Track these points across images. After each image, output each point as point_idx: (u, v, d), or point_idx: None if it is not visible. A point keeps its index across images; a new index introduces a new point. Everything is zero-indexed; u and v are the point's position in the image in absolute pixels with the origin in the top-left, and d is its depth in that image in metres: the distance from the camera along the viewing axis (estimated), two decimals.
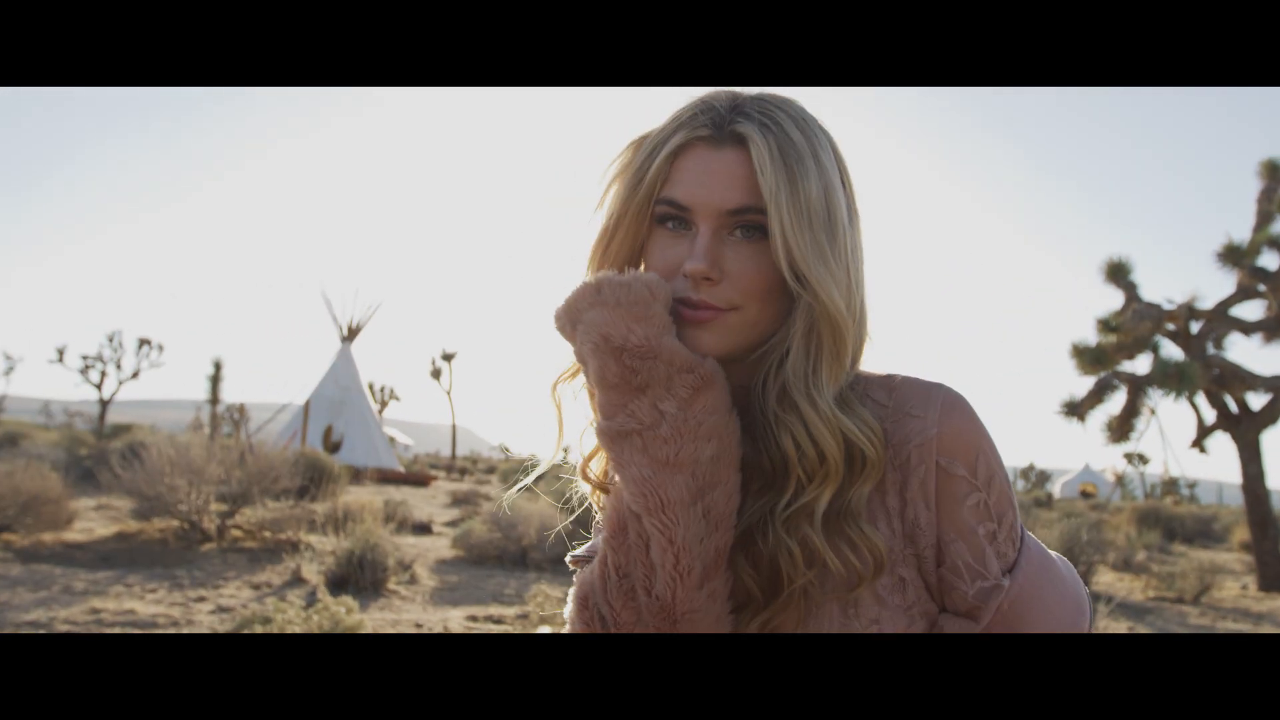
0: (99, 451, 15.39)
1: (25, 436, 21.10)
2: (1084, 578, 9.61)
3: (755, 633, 0.95)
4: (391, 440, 29.87)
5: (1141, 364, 11.95)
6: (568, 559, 1.13)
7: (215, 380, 27.85)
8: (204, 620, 6.09)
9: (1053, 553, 1.06)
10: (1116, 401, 11.99)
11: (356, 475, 18.71)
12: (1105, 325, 11.95)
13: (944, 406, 0.97)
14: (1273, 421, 11.30)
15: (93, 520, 10.42)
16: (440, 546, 10.56)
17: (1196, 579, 9.99)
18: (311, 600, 6.11)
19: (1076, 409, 12.07)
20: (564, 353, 1.02)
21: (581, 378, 1.04)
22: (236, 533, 9.72)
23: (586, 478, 1.09)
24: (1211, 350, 11.67)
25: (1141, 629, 7.95)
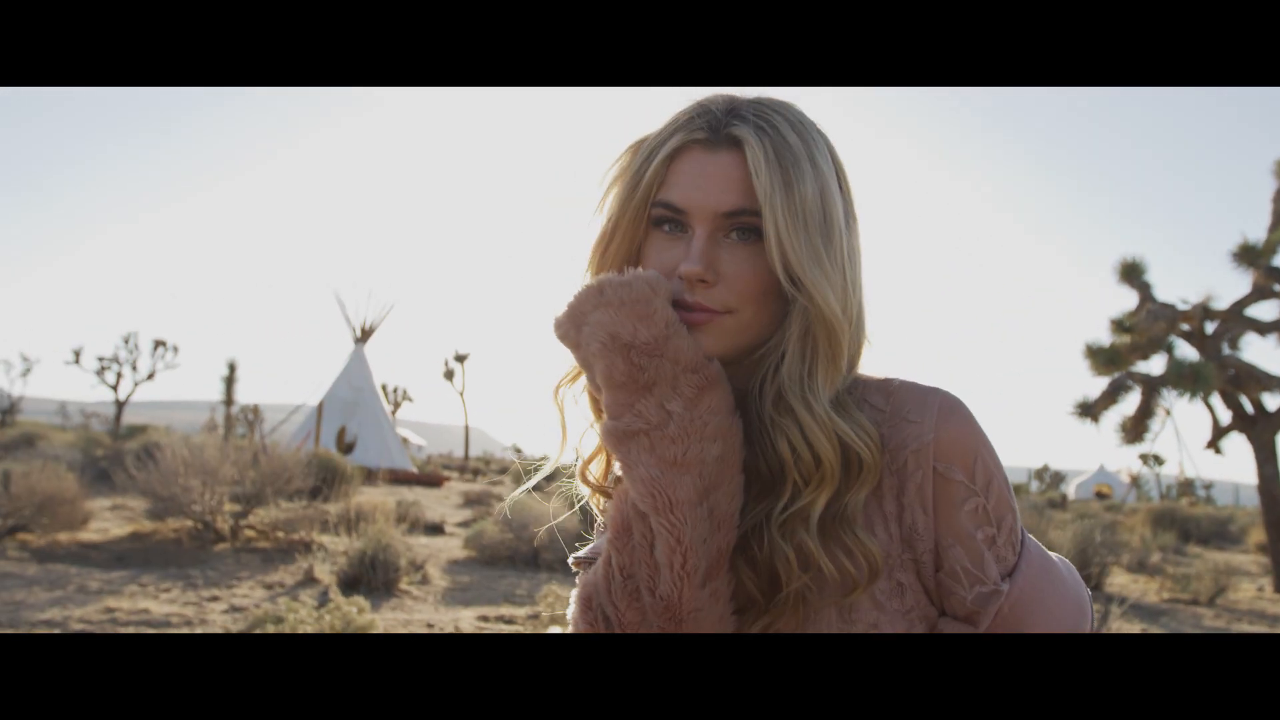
0: (114, 452, 15.50)
1: (42, 437, 21.25)
2: (1098, 579, 9.57)
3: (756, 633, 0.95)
4: (405, 441, 29.96)
5: (1156, 364, 11.88)
6: (570, 560, 1.13)
7: (230, 381, 28.01)
8: (217, 620, 6.12)
9: (1053, 554, 1.05)
10: (1130, 402, 11.92)
11: (369, 476, 18.77)
12: (1119, 325, 11.88)
13: (941, 411, 0.96)
14: None
15: (108, 520, 10.49)
16: (452, 547, 10.58)
17: (1212, 581, 9.92)
18: (324, 600, 6.14)
19: (1090, 410, 12.01)
20: (564, 357, 1.02)
21: (582, 382, 1.05)
22: (250, 533, 9.77)
23: (586, 481, 1.09)
24: (1227, 350, 11.58)
25: (1155, 631, 7.90)
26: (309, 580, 7.74)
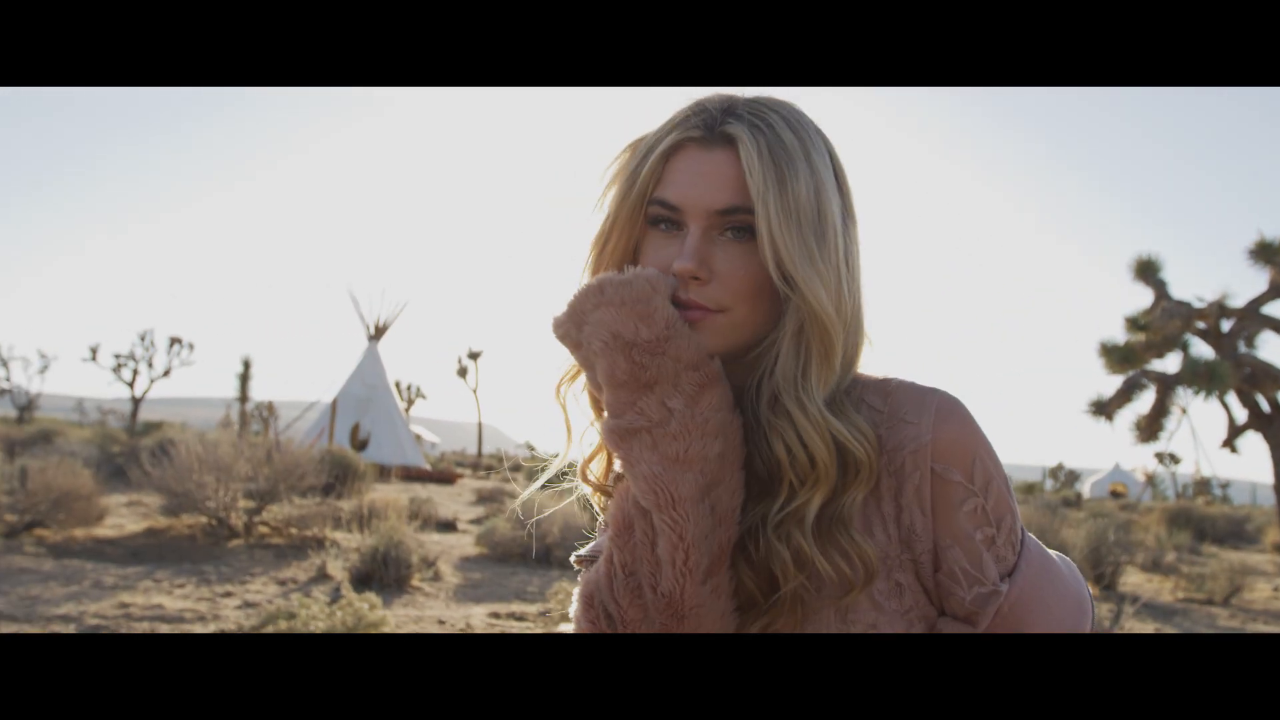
0: (130, 449, 15.61)
1: (59, 434, 21.42)
2: (1111, 578, 9.52)
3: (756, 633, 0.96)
4: (418, 438, 30.04)
5: (1171, 363, 11.81)
6: (572, 559, 1.14)
7: (244, 378, 28.16)
8: (230, 615, 6.16)
9: (1053, 553, 1.05)
10: (1145, 401, 11.85)
11: (383, 473, 18.84)
12: (1134, 323, 11.81)
13: (939, 412, 0.96)
14: None
15: (123, 516, 10.57)
16: (465, 544, 10.62)
17: (1227, 580, 9.86)
18: (336, 596, 6.17)
19: (1104, 408, 11.94)
20: (564, 356, 1.02)
21: (581, 380, 1.05)
22: (263, 529, 9.83)
23: (586, 480, 1.10)
24: (1243, 349, 11.50)
25: (1168, 630, 7.86)
26: (322, 576, 7.78)
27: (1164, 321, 11.35)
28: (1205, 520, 18.23)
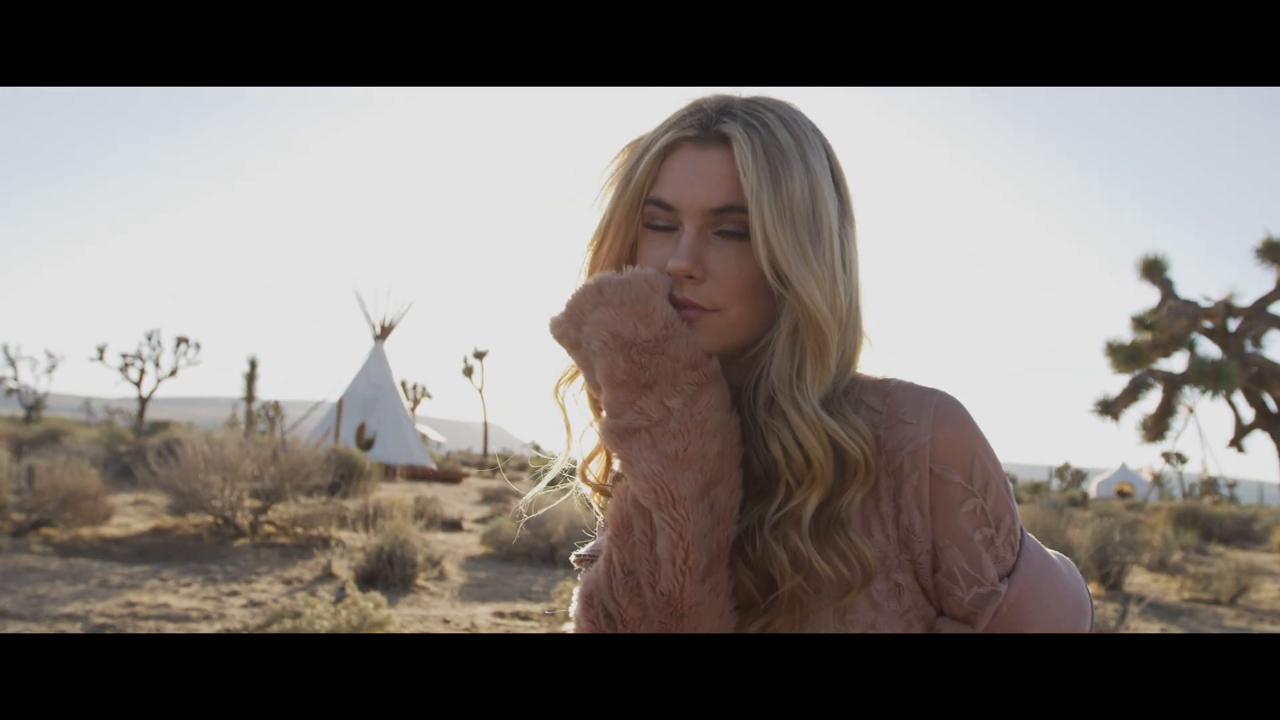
0: (137, 448, 15.65)
1: (66, 433, 21.49)
2: (1117, 578, 9.50)
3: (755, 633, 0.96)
4: (424, 438, 30.09)
5: (1178, 362, 11.78)
6: (572, 558, 1.14)
7: (251, 378, 28.23)
8: (236, 615, 6.18)
9: (1053, 552, 1.05)
10: (1152, 400, 11.82)
11: (388, 472, 18.87)
12: (1140, 322, 11.78)
13: (937, 413, 0.96)
14: None
15: (130, 515, 10.60)
16: (470, 543, 10.63)
17: (1233, 580, 9.83)
18: (341, 596, 6.18)
19: (1111, 407, 11.91)
20: (563, 357, 1.02)
21: (580, 381, 1.05)
22: (269, 528, 9.85)
23: (586, 480, 1.10)
24: (1250, 348, 11.47)
25: (1174, 630, 7.84)
26: (327, 575, 7.79)
27: (1170, 321, 11.32)
28: (1212, 520, 18.18)
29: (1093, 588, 9.30)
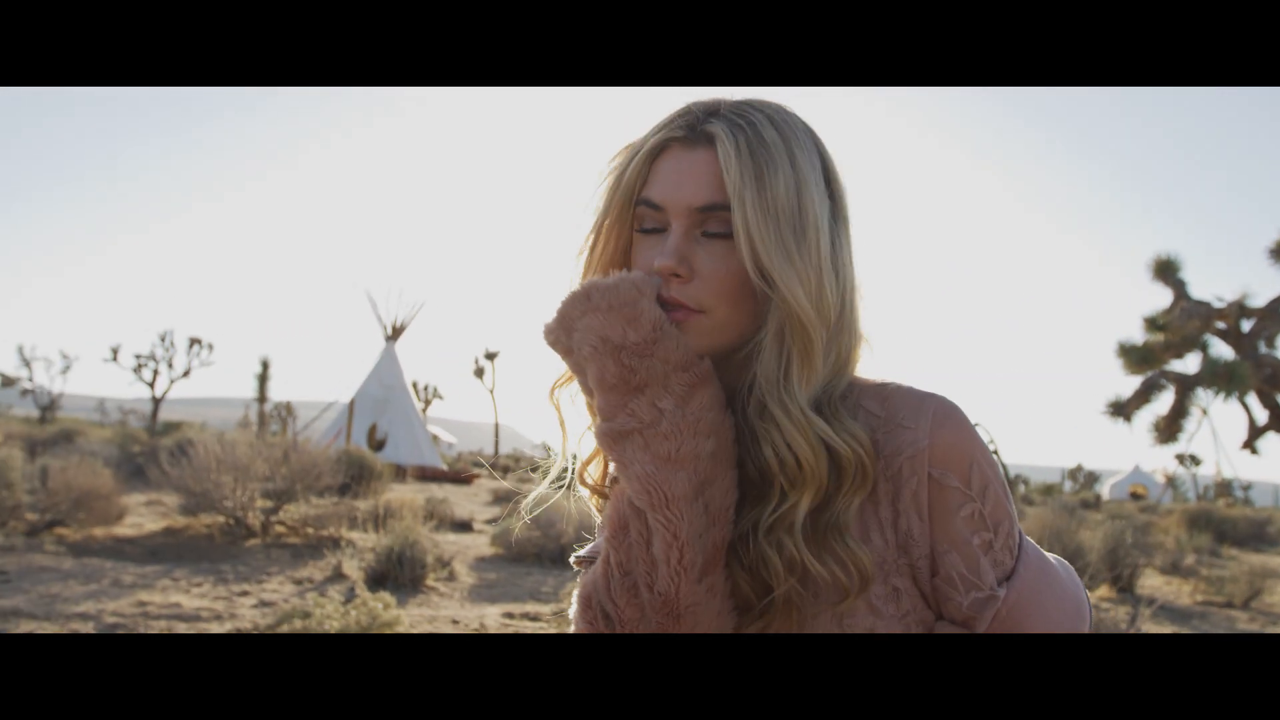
0: (150, 449, 15.74)
1: (80, 434, 21.62)
2: (1129, 580, 9.44)
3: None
4: (435, 438, 30.15)
5: (1190, 363, 11.70)
6: (572, 559, 1.15)
7: (263, 379, 28.34)
8: (246, 614, 6.21)
9: (1052, 557, 1.05)
10: (1164, 401, 11.74)
11: (399, 473, 18.91)
12: (1152, 323, 11.70)
13: (936, 417, 0.96)
14: None
15: (143, 515, 10.66)
16: (480, 544, 10.65)
17: (1247, 583, 9.77)
18: (351, 596, 6.21)
19: (1122, 409, 11.83)
20: (557, 362, 1.03)
21: (576, 384, 1.06)
22: (280, 529, 9.89)
23: (584, 482, 1.10)
24: (1263, 349, 11.38)
25: (1184, 633, 7.79)
26: (338, 576, 7.82)
27: (1183, 322, 11.24)
28: (1226, 522, 18.06)
29: (1104, 590, 9.26)
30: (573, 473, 1.11)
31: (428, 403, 41.15)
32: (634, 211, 1.02)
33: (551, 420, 1.09)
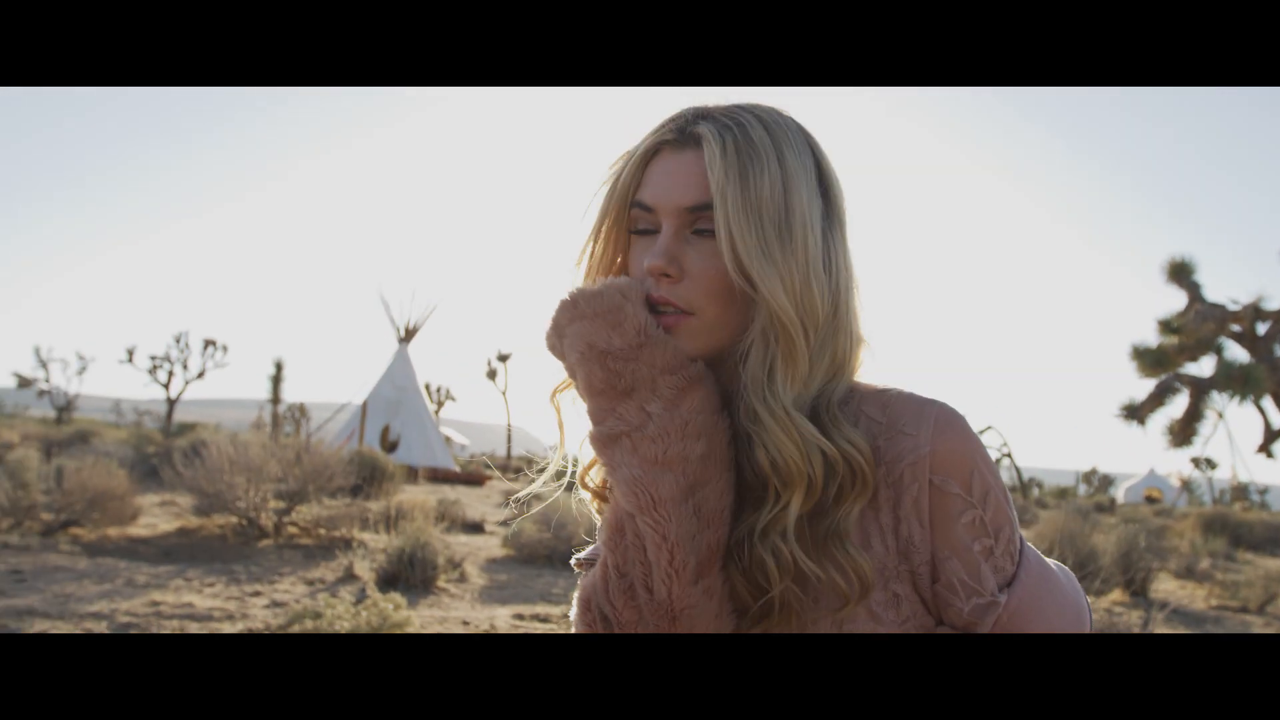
0: (164, 449, 15.83)
1: (96, 434, 21.78)
2: (1142, 585, 9.38)
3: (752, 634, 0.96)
4: (448, 440, 30.21)
5: (1205, 366, 11.63)
6: (572, 561, 1.15)
7: (277, 380, 28.43)
8: (258, 615, 6.24)
9: (1053, 562, 1.05)
10: (1178, 405, 11.68)
11: (412, 474, 18.97)
12: (1167, 326, 11.65)
13: (937, 424, 0.96)
14: None
15: (156, 516, 10.73)
16: (491, 545, 10.67)
17: (1262, 588, 9.69)
18: (362, 597, 6.23)
19: (1136, 412, 11.79)
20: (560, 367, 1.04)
21: (574, 389, 1.07)
22: (293, 529, 9.93)
23: (585, 486, 1.11)
24: (1278, 352, 11.31)
25: None
26: (349, 577, 7.85)
27: (1198, 324, 11.18)
28: (1242, 526, 17.92)
29: (1116, 594, 9.20)
30: (574, 476, 1.11)
31: (440, 404, 41.25)
32: (629, 214, 1.03)
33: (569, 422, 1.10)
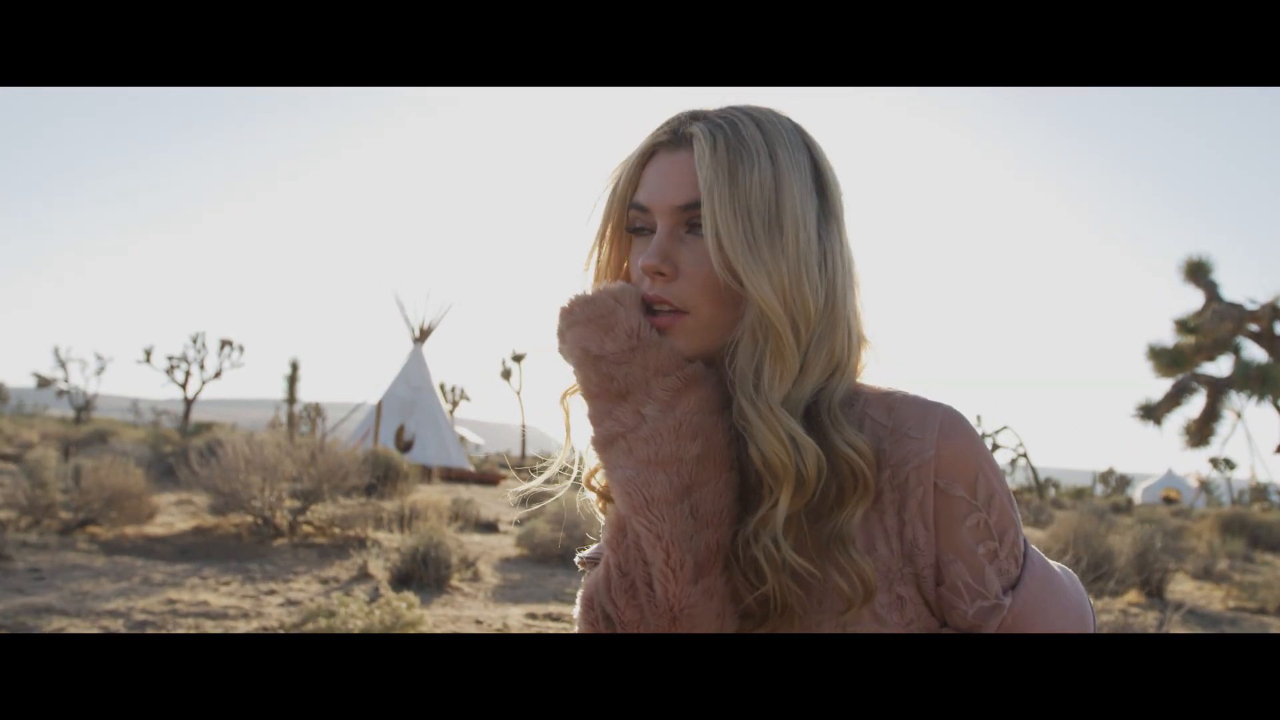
0: (181, 449, 15.94)
1: (114, 434, 21.97)
2: (1159, 585, 9.32)
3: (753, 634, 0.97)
4: (462, 440, 30.29)
5: (1223, 366, 11.55)
6: (576, 559, 1.16)
7: (292, 380, 28.55)
8: (273, 613, 6.27)
9: (1056, 565, 1.05)
10: (1195, 405, 11.60)
11: (426, 474, 19.02)
12: (1184, 326, 11.57)
13: (942, 427, 0.96)
14: None
15: (173, 515, 10.81)
16: (505, 545, 10.69)
17: None
18: (375, 596, 6.26)
19: (1153, 412, 11.72)
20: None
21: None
22: (307, 528, 9.98)
23: (591, 487, 1.12)
24: None
25: None
26: (363, 576, 7.88)
27: (1215, 324, 11.10)
28: (1260, 527, 17.74)
29: (1133, 595, 9.15)
30: (580, 477, 1.12)
31: (455, 404, 41.39)
32: (628, 216, 1.04)
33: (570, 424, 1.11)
